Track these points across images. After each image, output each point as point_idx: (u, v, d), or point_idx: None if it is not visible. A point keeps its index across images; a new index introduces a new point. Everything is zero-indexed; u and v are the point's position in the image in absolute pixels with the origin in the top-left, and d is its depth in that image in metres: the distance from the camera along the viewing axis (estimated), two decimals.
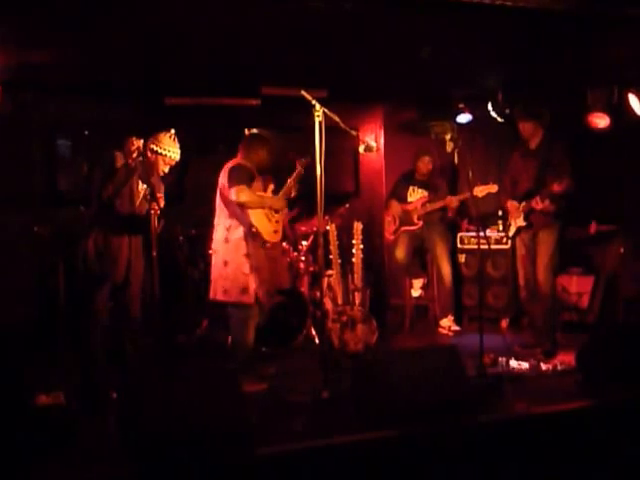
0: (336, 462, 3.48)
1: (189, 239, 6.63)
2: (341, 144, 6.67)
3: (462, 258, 7.59)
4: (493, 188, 6.72)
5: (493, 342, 5.54)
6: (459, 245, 7.61)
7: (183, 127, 5.31)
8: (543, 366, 5.30)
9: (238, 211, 5.18)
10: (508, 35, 5.54)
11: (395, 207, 7.29)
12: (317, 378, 4.61)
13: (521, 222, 5.95)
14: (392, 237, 7.32)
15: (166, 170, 5.13)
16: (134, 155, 4.65)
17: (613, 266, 7.03)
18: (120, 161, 4.77)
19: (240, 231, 5.17)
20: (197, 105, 7.00)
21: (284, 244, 6.49)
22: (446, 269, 7.18)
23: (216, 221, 5.30)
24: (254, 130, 6.94)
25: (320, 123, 4.56)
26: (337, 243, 5.90)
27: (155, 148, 5.01)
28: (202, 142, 7.03)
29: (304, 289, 6.57)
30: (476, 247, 5.84)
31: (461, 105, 7.53)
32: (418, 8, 4.90)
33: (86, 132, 7.06)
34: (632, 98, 6.68)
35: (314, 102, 4.57)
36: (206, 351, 6.12)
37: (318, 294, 5.87)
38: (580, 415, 4.07)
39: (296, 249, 6.73)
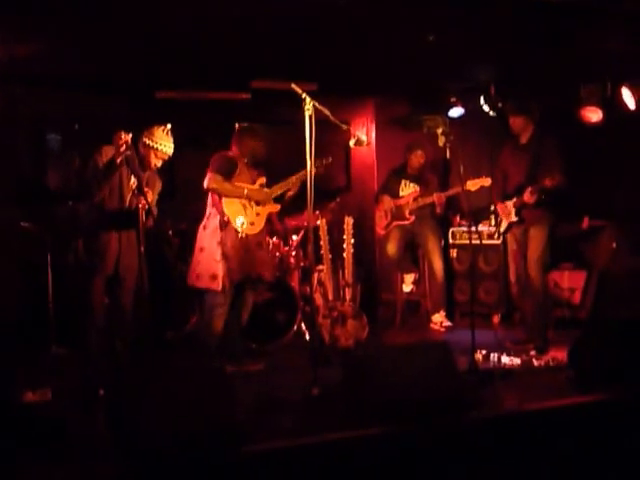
0: (326, 460, 3.45)
1: (179, 234, 6.57)
2: (332, 138, 6.62)
3: (454, 253, 7.58)
4: (486, 181, 6.70)
5: (485, 338, 5.52)
6: (451, 240, 7.60)
7: (174, 121, 5.27)
8: (535, 362, 5.30)
9: (216, 199, 5.29)
10: (501, 29, 5.52)
11: (387, 202, 7.25)
12: (307, 374, 4.57)
13: (512, 218, 5.92)
14: (383, 232, 7.29)
15: (159, 164, 5.10)
16: (122, 149, 4.59)
17: (605, 262, 7.03)
18: (108, 155, 4.72)
19: (217, 219, 5.29)
20: (187, 99, 6.97)
21: (274, 239, 6.45)
22: (438, 264, 7.15)
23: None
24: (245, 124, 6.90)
25: (310, 117, 4.51)
26: (328, 238, 5.86)
27: (147, 142, 4.97)
28: (192, 136, 6.98)
29: (294, 284, 6.53)
30: (468, 242, 5.82)
31: (453, 99, 7.51)
32: (410, 1, 4.88)
33: (76, 126, 6.99)
34: (625, 92, 6.67)
35: (304, 95, 4.52)
36: (194, 347, 6.06)
37: (308, 289, 5.83)
38: (572, 411, 4.05)
39: (287, 244, 6.69)
